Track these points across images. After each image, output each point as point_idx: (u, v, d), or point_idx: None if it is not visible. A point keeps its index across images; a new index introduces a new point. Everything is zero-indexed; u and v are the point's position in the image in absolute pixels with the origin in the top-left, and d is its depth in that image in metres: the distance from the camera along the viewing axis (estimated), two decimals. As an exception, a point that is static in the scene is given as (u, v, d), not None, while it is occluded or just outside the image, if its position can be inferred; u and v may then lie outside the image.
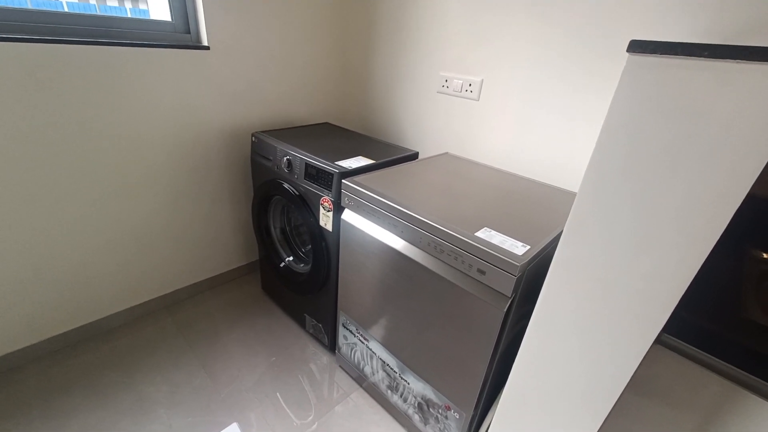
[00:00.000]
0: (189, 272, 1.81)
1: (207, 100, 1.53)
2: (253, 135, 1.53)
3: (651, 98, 0.55)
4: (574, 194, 1.24)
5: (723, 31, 0.91)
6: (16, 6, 1.13)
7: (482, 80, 1.45)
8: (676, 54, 0.52)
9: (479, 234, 0.92)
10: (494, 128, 1.48)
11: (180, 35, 1.45)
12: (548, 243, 0.93)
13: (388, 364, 1.29)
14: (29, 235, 1.29)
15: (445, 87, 1.57)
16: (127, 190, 1.46)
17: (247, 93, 1.64)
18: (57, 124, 1.23)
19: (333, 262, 1.37)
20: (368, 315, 1.29)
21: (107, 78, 1.27)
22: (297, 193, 1.38)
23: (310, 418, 1.35)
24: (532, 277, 0.90)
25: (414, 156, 1.50)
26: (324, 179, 1.26)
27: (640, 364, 0.66)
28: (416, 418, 1.26)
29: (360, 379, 1.47)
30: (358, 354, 1.42)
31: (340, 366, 1.57)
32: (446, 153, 1.58)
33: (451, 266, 0.96)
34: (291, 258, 1.65)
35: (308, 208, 1.36)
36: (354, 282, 1.29)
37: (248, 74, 1.62)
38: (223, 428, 1.28)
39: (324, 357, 1.61)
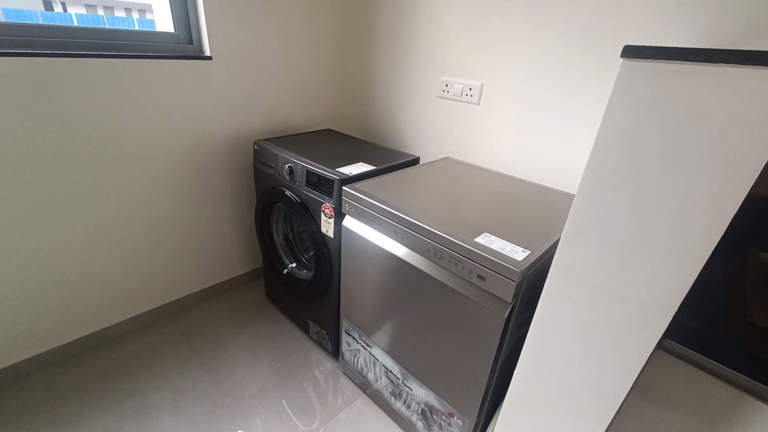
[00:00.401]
0: (193, 279, 1.82)
1: (210, 109, 1.55)
2: (255, 143, 1.55)
3: (646, 103, 0.55)
4: (574, 197, 1.23)
5: (722, 35, 0.90)
6: (28, 22, 1.17)
7: (482, 84, 1.45)
8: (670, 59, 0.52)
9: (479, 239, 0.92)
10: (495, 132, 1.47)
11: (183, 46, 1.47)
12: (549, 248, 0.92)
13: (391, 371, 1.28)
14: (35, 245, 1.31)
15: (446, 91, 1.58)
16: (132, 199, 1.48)
17: (249, 101, 1.66)
18: (64, 134, 1.25)
19: (335, 269, 1.37)
20: (370, 321, 1.29)
21: (112, 89, 1.30)
22: (299, 200, 1.39)
23: (315, 424, 1.35)
24: (532, 282, 0.89)
25: (415, 161, 1.50)
26: (325, 186, 1.27)
27: (645, 370, 0.65)
28: (420, 425, 1.25)
29: (364, 385, 1.47)
30: (361, 360, 1.42)
31: (343, 372, 1.57)
32: (447, 157, 1.58)
33: (452, 272, 0.96)
34: (294, 264, 1.66)
35: (310, 215, 1.36)
36: (356, 288, 1.29)
37: (250, 83, 1.63)
38: (228, 435, 1.29)
39: (328, 363, 1.61)
